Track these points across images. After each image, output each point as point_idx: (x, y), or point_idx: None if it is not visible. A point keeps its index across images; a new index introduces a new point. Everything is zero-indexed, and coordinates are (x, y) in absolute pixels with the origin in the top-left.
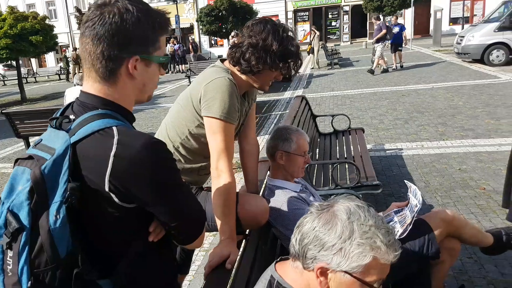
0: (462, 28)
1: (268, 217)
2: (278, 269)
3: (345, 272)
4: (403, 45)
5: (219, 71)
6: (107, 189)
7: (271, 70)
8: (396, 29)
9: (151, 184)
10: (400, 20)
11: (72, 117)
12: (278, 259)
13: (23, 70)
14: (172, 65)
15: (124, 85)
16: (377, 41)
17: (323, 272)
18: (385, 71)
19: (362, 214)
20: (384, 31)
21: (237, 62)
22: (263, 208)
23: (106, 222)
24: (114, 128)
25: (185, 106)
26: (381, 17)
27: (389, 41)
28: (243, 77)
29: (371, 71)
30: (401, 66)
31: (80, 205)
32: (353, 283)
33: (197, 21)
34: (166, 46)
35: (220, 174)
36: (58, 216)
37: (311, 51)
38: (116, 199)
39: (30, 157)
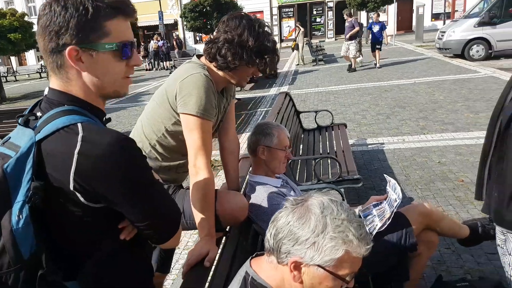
0: (444, 23)
1: (249, 213)
2: (253, 265)
3: (318, 266)
4: (385, 43)
5: (194, 67)
6: (71, 187)
7: (248, 66)
8: (376, 28)
9: (124, 183)
10: (383, 16)
11: (38, 114)
12: (254, 255)
13: (3, 69)
14: (156, 62)
15: (77, 79)
16: (350, 38)
17: (297, 266)
18: (350, 67)
19: (335, 208)
20: (356, 28)
21: (213, 58)
22: (242, 205)
23: (70, 222)
24: (79, 125)
25: (161, 103)
26: (355, 13)
27: (361, 38)
28: (220, 73)
29: (353, 69)
30: (378, 66)
31: (45, 204)
32: (325, 277)
33: (181, 17)
34: (150, 41)
35: (198, 172)
36: (21, 216)
37: (296, 48)
38: (81, 198)
39: None
